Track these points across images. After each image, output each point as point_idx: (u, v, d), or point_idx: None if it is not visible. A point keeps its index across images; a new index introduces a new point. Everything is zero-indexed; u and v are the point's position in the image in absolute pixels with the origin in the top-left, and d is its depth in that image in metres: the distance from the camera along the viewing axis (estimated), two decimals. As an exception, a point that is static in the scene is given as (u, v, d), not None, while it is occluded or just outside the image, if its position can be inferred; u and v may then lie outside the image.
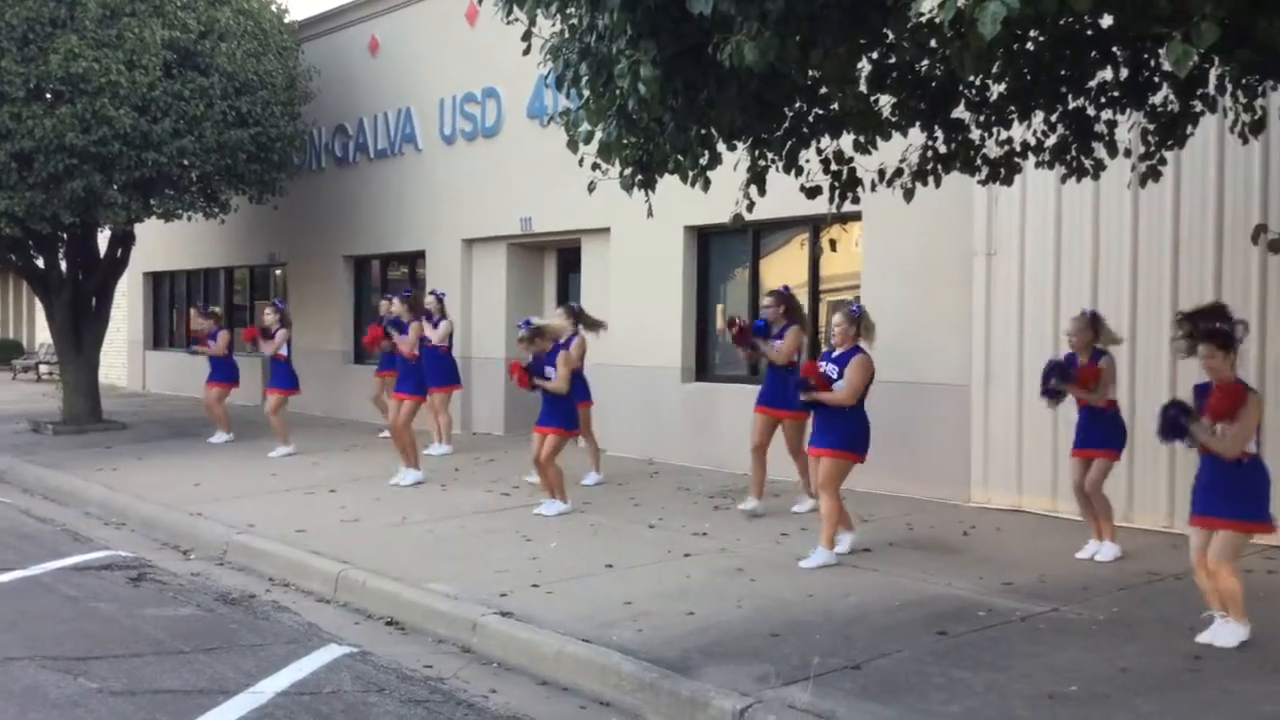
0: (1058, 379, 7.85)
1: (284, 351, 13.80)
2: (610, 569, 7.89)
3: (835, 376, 7.97)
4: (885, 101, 6.33)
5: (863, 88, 6.02)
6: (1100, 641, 6.19)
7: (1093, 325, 7.99)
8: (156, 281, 23.98)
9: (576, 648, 6.14)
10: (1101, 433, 7.98)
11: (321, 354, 17.90)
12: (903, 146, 6.86)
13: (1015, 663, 5.81)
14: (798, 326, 9.64)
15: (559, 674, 6.07)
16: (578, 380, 10.41)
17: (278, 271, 20.06)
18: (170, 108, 14.41)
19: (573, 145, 5.47)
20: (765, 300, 9.70)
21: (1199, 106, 6.68)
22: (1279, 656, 5.82)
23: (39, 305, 19.52)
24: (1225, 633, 6.09)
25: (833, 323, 8.28)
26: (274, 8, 16.51)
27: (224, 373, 14.83)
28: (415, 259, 17.07)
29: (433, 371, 12.59)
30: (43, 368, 26.42)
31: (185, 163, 15.12)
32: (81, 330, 16.74)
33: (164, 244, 21.48)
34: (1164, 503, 8.96)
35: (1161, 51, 4.64)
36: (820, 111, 5.83)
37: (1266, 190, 8.29)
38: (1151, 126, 6.82)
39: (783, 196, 6.91)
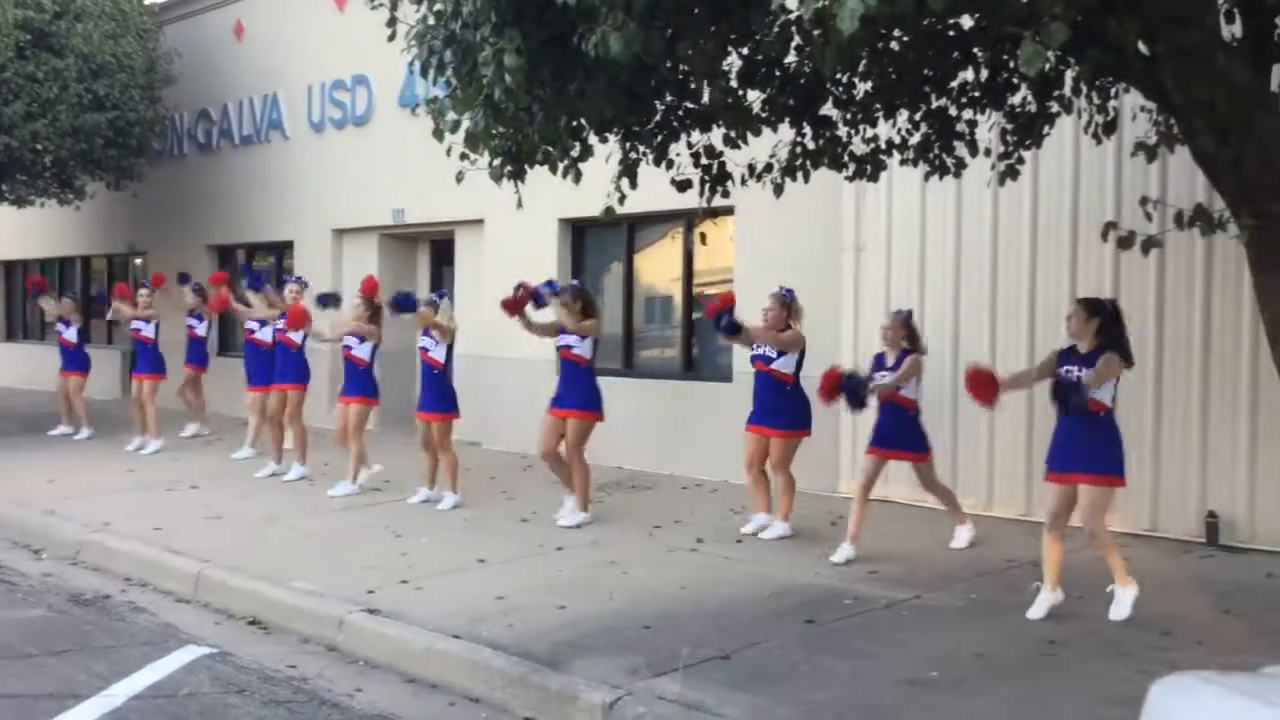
0: (851, 394, 7.82)
1: (150, 334, 13.31)
2: (482, 564, 7.81)
3: (775, 355, 8.58)
4: (755, 97, 6.38)
5: (734, 83, 6.05)
6: (960, 627, 6.36)
7: (905, 325, 8.15)
8: (9, 270, 22.97)
9: (446, 644, 6.06)
10: (898, 433, 8.13)
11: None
12: (773, 142, 6.93)
13: (880, 649, 5.93)
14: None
15: (427, 671, 5.98)
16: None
17: (138, 261, 19.39)
18: (22, 90, 13.80)
19: (438, 134, 5.38)
20: (766, 303, 8.73)
21: (1055, 107, 6.89)
22: (1125, 641, 6.05)
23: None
24: (1124, 601, 6.46)
25: (764, 307, 8.67)
26: (133, -13, 15.95)
27: (78, 362, 14.25)
28: (283, 249, 16.68)
29: (260, 369, 12.19)
30: (-116, 361, 25.05)
31: (38, 147, 14.53)
32: (-74, 321, 15.95)
33: (17, 231, 20.58)
34: (1021, 491, 9.24)
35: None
36: (690, 105, 5.84)
37: (1119, 188, 8.61)
38: (1010, 126, 7.01)
39: (656, 190, 6.92)
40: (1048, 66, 6.22)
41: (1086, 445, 6.46)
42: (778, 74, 6.11)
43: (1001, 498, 9.37)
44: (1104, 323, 6.52)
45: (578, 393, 9.22)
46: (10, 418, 16.55)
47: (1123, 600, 6.48)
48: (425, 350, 9.69)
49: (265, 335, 12.03)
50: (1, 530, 9.59)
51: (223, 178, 17.24)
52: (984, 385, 6.64)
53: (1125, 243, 5.18)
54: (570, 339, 9.18)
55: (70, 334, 14.18)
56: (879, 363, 8.13)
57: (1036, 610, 6.53)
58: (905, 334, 8.10)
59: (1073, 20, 3.23)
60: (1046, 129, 7.08)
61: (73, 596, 7.56)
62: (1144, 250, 5.18)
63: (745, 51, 5.75)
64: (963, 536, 8.37)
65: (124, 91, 14.99)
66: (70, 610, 7.24)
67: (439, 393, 9.73)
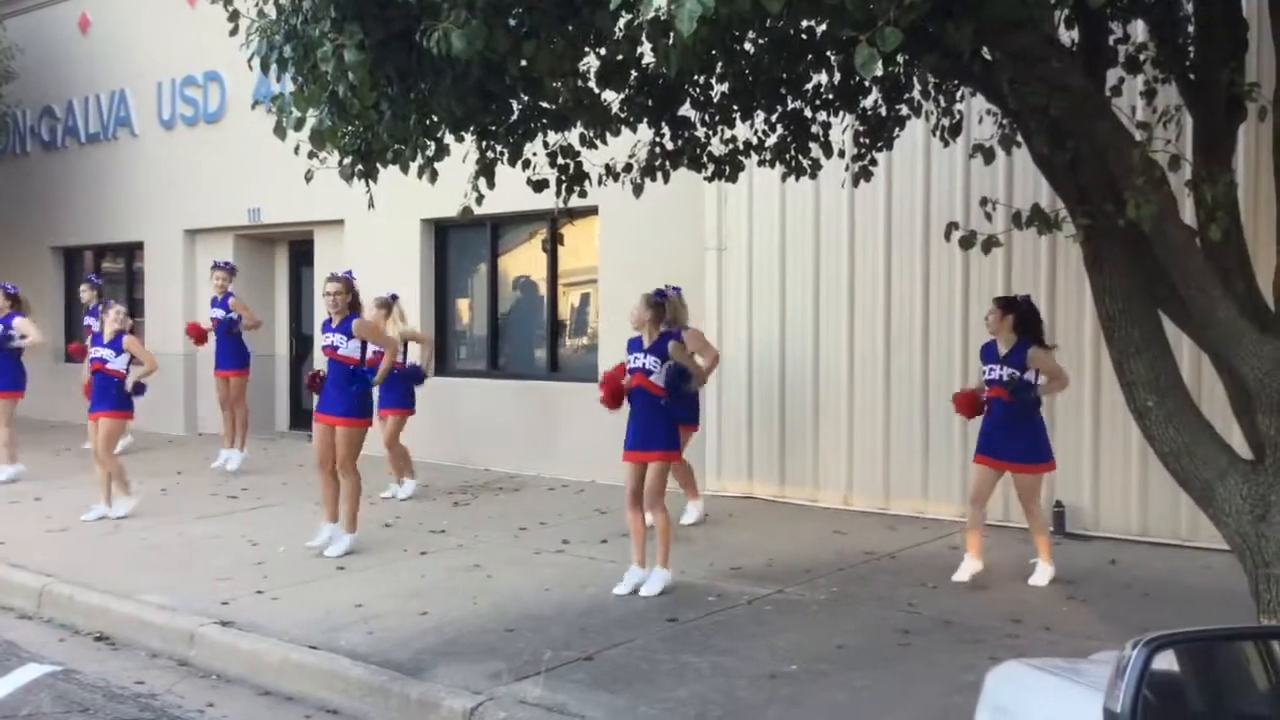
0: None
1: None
2: (342, 571, 7.66)
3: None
4: (612, 97, 6.38)
5: (590, 82, 6.04)
6: (820, 620, 6.47)
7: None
8: None
9: (302, 655, 5.93)
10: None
11: (27, 352, 16.60)
12: (631, 142, 6.94)
13: (741, 645, 5.99)
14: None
15: (283, 683, 5.83)
16: None
17: (-22, 263, 18.51)
18: None
19: (280, 131, 5.25)
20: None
21: (905, 110, 7.05)
22: (978, 630, 6.23)
23: None
24: (1044, 575, 7.20)
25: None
26: (-30, -22, 15.24)
27: None
28: (133, 250, 16.10)
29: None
30: None
31: None
32: None
33: None
34: (879, 485, 9.45)
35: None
36: (545, 105, 5.81)
37: (968, 188, 8.86)
38: (862, 128, 7.15)
39: (517, 190, 6.86)
40: (895, 70, 6.40)
41: (1019, 435, 7.15)
42: (635, 74, 6.12)
43: (860, 491, 9.56)
44: (1018, 318, 7.17)
45: (344, 398, 8.17)
46: None
47: (1042, 574, 7.20)
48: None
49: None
50: None
51: (69, 177, 16.57)
52: (970, 403, 7.46)
53: (966, 242, 5.32)
54: (334, 337, 8.23)
55: None
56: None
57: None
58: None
59: (908, 25, 3.30)
60: (897, 131, 7.25)
61: (-97, 618, 7.19)
62: (984, 249, 5.33)
63: (602, 51, 5.75)
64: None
65: (-40, 86, 14.31)
66: (-100, 632, 6.88)
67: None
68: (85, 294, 12.86)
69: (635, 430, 7.08)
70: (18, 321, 11.46)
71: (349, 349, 8.20)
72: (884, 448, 9.40)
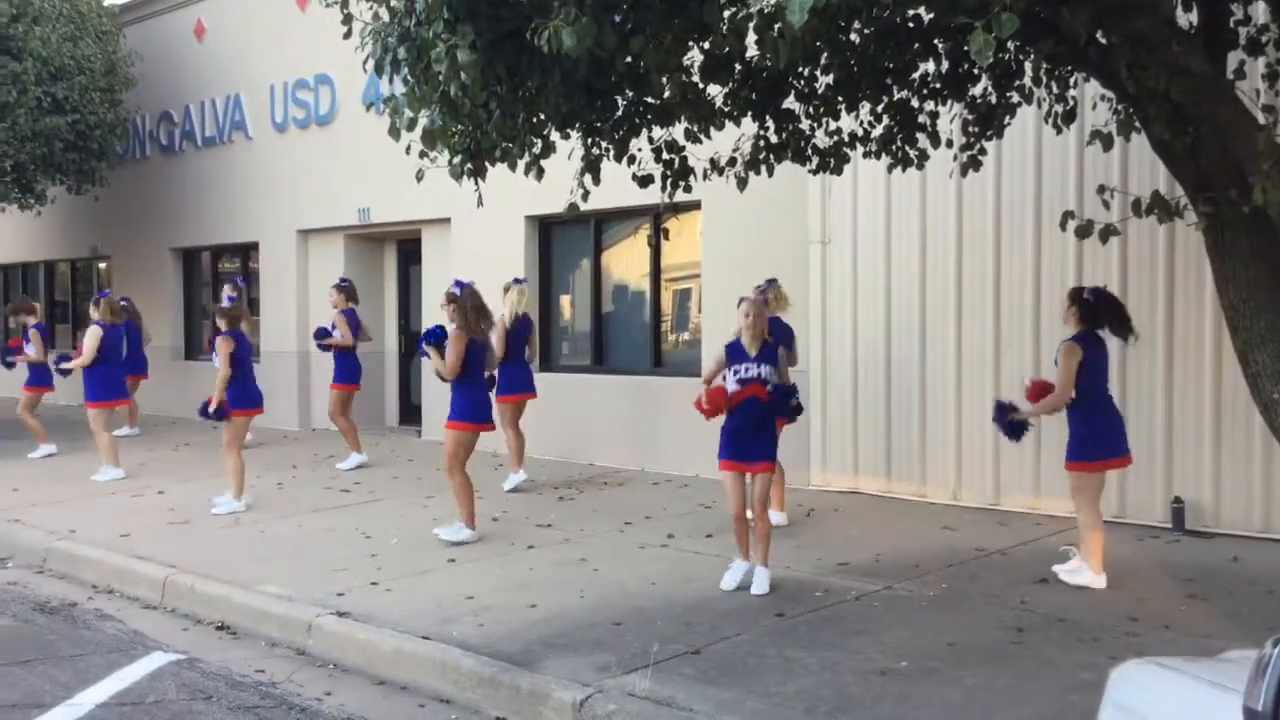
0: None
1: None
2: (452, 563, 7.78)
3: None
4: (717, 91, 6.37)
5: (694, 77, 6.05)
6: (930, 617, 6.38)
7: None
8: (-27, 276, 22.74)
9: (415, 645, 6.04)
10: None
11: (148, 349, 17.21)
12: (735, 136, 6.92)
13: (849, 641, 5.94)
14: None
15: (397, 673, 5.95)
16: None
17: (101, 265, 19.21)
18: (-21, 94, 13.64)
19: (394, 132, 5.34)
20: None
21: (1015, 97, 6.91)
22: (1094, 628, 6.09)
23: None
24: (1078, 573, 6.99)
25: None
26: (92, -11, 15.80)
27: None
28: (248, 251, 16.55)
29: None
30: None
31: (-2, 151, 14.36)
32: (-113, 330, 15.75)
33: (-22, 237, 20.38)
34: (989, 480, 9.29)
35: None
36: (650, 100, 5.83)
37: (1081, 177, 8.66)
38: (971, 117, 7.03)
39: (621, 186, 6.90)
40: (1005, 56, 6.28)
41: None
42: (738, 68, 6.10)
43: (969, 486, 9.41)
44: (1081, 310, 6.95)
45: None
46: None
47: (1076, 573, 6.97)
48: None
49: None
50: (-35, 540, 9.48)
51: (186, 180, 17.10)
52: (1037, 392, 7.14)
53: (1083, 231, 5.20)
54: None
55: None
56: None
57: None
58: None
59: (1024, 10, 3.24)
60: (1007, 119, 7.11)
61: (38, 605, 7.49)
62: (1102, 239, 5.21)
63: (706, 45, 5.74)
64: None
65: (84, 94, 14.85)
66: (35, 619, 7.17)
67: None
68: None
69: (740, 439, 6.87)
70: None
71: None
72: (994, 443, 9.20)
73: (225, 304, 10.51)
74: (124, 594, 7.70)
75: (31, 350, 13.06)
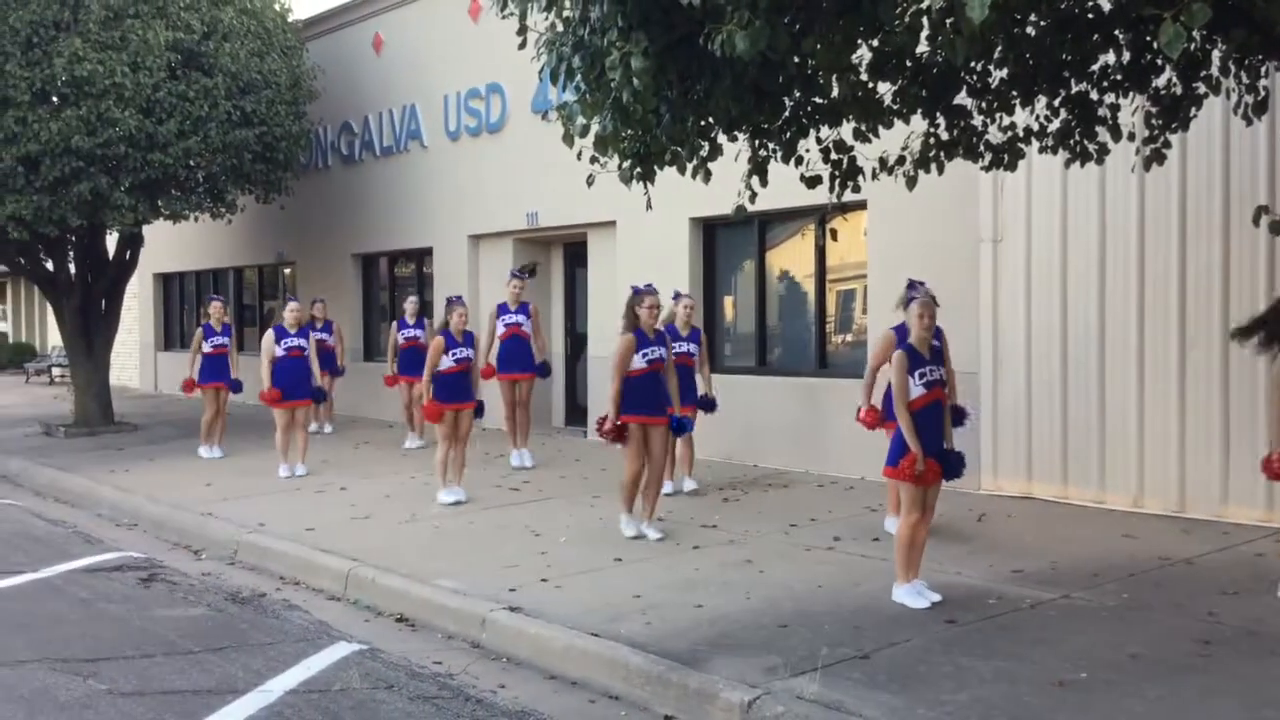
0: None
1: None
2: (619, 562, 7.88)
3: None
4: (885, 89, 6.30)
5: (863, 75, 5.99)
6: (1110, 627, 6.16)
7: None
8: (166, 282, 24.07)
9: (585, 642, 6.14)
10: None
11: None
12: (904, 134, 6.83)
13: (1024, 650, 5.79)
14: None
15: (568, 668, 6.06)
16: None
17: (286, 270, 20.10)
18: (175, 109, 14.43)
19: (568, 139, 5.45)
20: None
21: (1202, 88, 6.63)
22: (1290, 640, 5.80)
23: (50, 308, 19.58)
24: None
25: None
26: (277, 7, 16.54)
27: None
28: (423, 256, 17.08)
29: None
30: (55, 370, 26.54)
31: (191, 163, 15.17)
32: (92, 333, 16.80)
33: (172, 245, 21.56)
34: (1174, 487, 8.92)
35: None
36: (819, 100, 5.80)
37: (1273, 171, 8.24)
38: (1155, 109, 6.78)
39: (786, 186, 6.89)
40: (1193, 46, 6.03)
41: None
42: (909, 65, 6.02)
43: (1152, 493, 9.05)
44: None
45: None
46: (168, 424, 17.34)
47: None
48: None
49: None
50: (163, 532, 10.06)
51: (365, 188, 17.76)
52: None
53: (1278, 227, 4.96)
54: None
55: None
56: None
57: None
58: None
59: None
60: (1193, 111, 6.83)
61: (230, 595, 7.88)
62: (1299, 234, 4.96)
63: (875, 43, 5.69)
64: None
65: (270, 107, 15.56)
66: (228, 608, 7.55)
67: None
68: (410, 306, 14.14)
69: (939, 440, 6.61)
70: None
71: None
72: (1179, 448, 8.86)
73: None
74: (309, 585, 8.05)
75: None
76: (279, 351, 11.99)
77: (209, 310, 14.05)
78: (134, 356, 24.89)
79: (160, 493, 11.20)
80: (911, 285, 6.85)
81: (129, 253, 17.14)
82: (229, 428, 14.44)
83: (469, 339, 10.35)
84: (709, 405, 10.33)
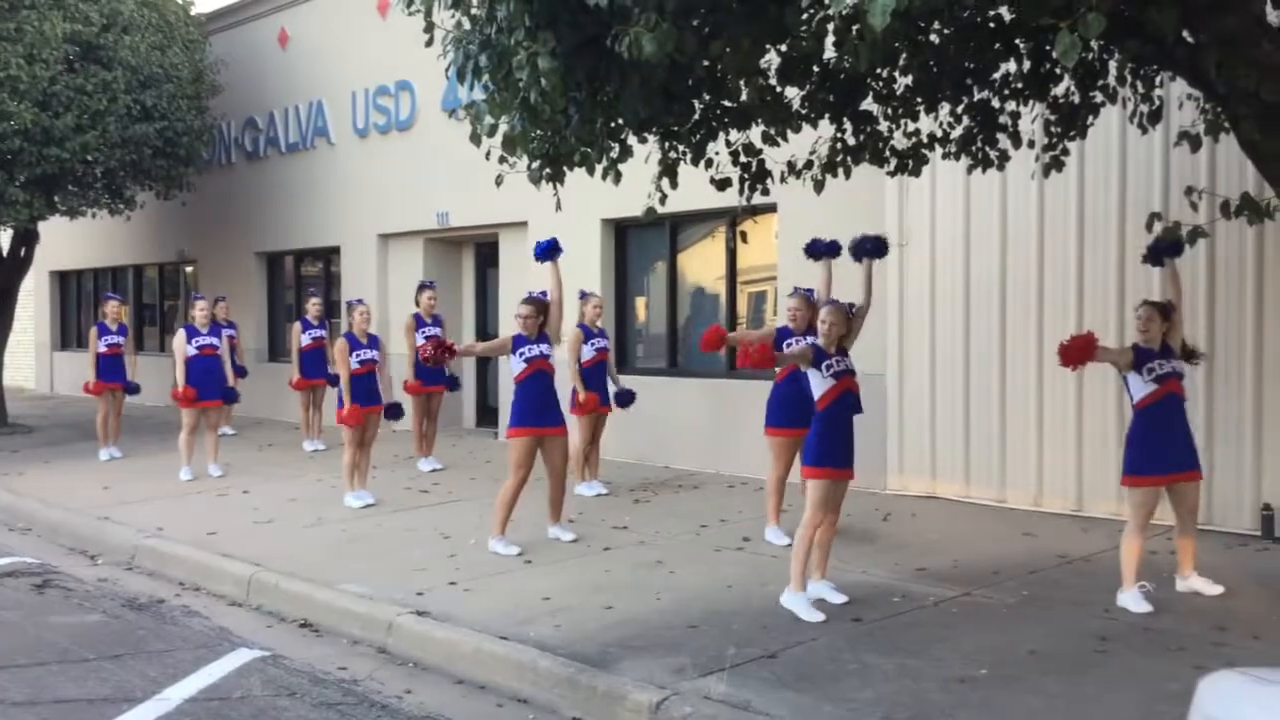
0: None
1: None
2: (529, 564, 7.85)
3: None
4: (793, 94, 6.35)
5: (771, 80, 6.03)
6: (1011, 624, 6.29)
7: (814, 305, 7.81)
8: (63, 280, 23.39)
9: (493, 645, 6.09)
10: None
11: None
12: (812, 138, 6.90)
13: (928, 647, 5.88)
14: None
15: (476, 672, 6.01)
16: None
17: (188, 269, 19.67)
18: (72, 102, 14.05)
19: (476, 138, 5.41)
20: None
21: (1099, 97, 6.81)
22: (1180, 637, 5.96)
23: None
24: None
25: (790, 307, 8.16)
26: (179, 0, 16.17)
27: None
28: (330, 255, 16.84)
29: None
30: (-55, 371, 25.61)
31: (89, 158, 14.78)
32: (-16, 332, 16.27)
33: (70, 242, 20.95)
34: (1072, 486, 9.14)
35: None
36: (727, 104, 5.83)
37: (1167, 178, 8.49)
38: (1054, 117, 6.94)
39: (697, 189, 6.91)
40: (1090, 56, 6.18)
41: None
42: (816, 70, 6.08)
43: (1051, 492, 9.26)
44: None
45: None
46: (64, 426, 16.86)
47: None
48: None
49: None
50: (58, 536, 9.77)
51: (270, 185, 17.45)
52: (1082, 349, 6.38)
53: (1171, 234, 5.11)
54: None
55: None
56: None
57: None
58: (813, 315, 7.46)
59: (1110, 10, 3.19)
60: (1091, 119, 7.01)
61: (128, 601, 7.68)
62: (1190, 241, 5.11)
63: (782, 49, 5.73)
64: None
65: (171, 102, 15.22)
66: (125, 615, 7.36)
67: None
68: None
69: (845, 443, 6.59)
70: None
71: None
72: (1076, 447, 9.08)
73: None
74: (210, 591, 7.88)
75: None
76: (191, 351, 11.74)
77: (104, 309, 13.65)
78: (29, 356, 24.13)
79: (55, 496, 10.88)
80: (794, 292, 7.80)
81: (24, 250, 16.63)
82: (126, 429, 14.09)
83: (374, 341, 10.22)
84: (626, 399, 10.37)
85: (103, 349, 13.18)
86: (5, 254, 16.55)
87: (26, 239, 16.50)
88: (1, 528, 10.32)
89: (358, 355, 10.01)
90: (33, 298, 23.05)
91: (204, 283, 18.60)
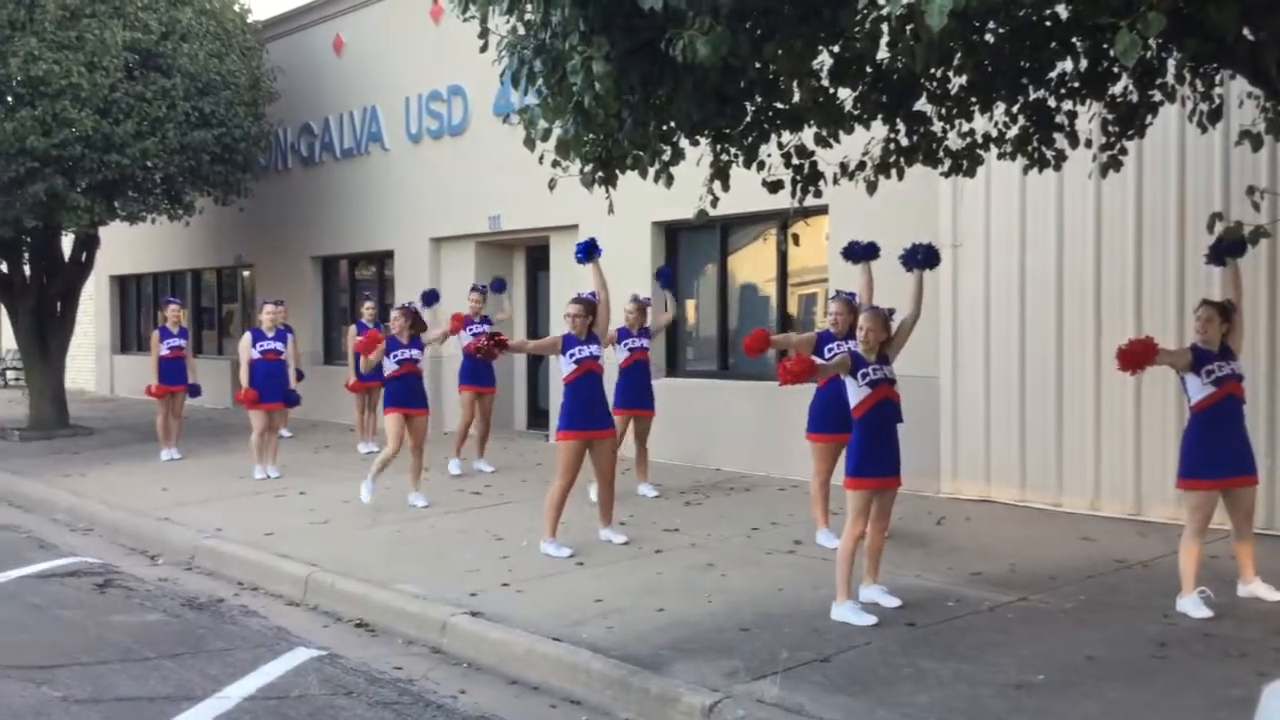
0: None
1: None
2: (581, 566, 7.87)
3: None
4: (846, 95, 6.33)
5: (824, 81, 6.02)
6: (1068, 630, 6.22)
7: (855, 309, 7.70)
8: (123, 285, 23.80)
9: (546, 646, 6.12)
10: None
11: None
12: (865, 139, 6.86)
13: (983, 652, 5.83)
14: None
15: (529, 673, 6.04)
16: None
17: (245, 273, 19.93)
18: (132, 109, 14.30)
19: (530, 142, 5.44)
20: None
21: (1158, 96, 6.71)
22: (1242, 643, 5.86)
23: (4, 310, 19.32)
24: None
25: (831, 311, 8.23)
26: (236, 7, 16.42)
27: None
28: (383, 259, 16.99)
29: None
30: (9, 374, 26.15)
31: (148, 164, 15.01)
32: (47, 335, 16.59)
33: (130, 247, 21.30)
34: (1130, 490, 9.02)
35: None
36: (780, 105, 5.82)
37: (1227, 177, 8.35)
38: (1111, 116, 6.85)
39: (748, 191, 6.90)
40: (1149, 55, 6.10)
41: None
42: (869, 71, 6.06)
43: (1109, 496, 9.14)
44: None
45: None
46: (124, 427, 17.14)
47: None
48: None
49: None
50: (119, 537, 9.94)
51: (325, 190, 17.64)
52: (1141, 353, 6.28)
53: (1233, 233, 5.03)
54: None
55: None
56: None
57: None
58: (854, 319, 7.17)
59: (1169, 8, 3.15)
60: (1149, 118, 6.92)
61: (187, 601, 7.80)
62: (1252, 241, 5.02)
63: (835, 49, 5.71)
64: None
65: (229, 109, 15.44)
66: (185, 614, 7.47)
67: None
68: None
69: (885, 452, 6.51)
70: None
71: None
72: (1134, 450, 8.96)
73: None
74: (268, 591, 7.98)
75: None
76: (255, 354, 11.94)
77: (165, 313, 13.88)
78: (90, 359, 24.58)
79: (116, 497, 11.07)
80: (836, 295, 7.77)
81: (85, 254, 16.93)
82: (185, 431, 14.30)
83: (415, 342, 10.30)
84: None
85: (165, 352, 13.42)
86: (67, 259, 16.86)
87: (88, 244, 16.80)
88: (64, 528, 10.52)
89: (395, 355, 10.11)
90: (93, 302, 23.45)
91: (261, 287, 18.85)
